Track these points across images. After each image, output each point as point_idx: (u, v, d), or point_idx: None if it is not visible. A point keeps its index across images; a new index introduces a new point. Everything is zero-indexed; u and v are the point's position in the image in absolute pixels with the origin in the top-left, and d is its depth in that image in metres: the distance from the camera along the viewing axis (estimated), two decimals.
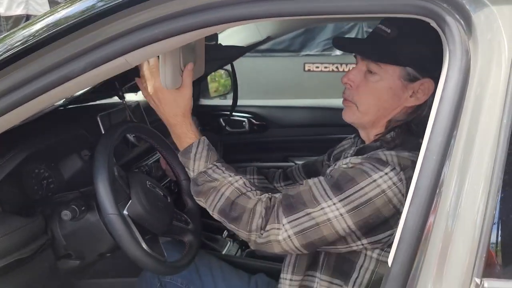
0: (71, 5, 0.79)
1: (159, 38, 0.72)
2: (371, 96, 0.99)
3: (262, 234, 0.92)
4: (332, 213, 0.88)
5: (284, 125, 2.36)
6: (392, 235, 0.89)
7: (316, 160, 1.36)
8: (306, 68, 4.45)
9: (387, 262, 0.89)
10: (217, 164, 1.00)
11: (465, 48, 0.62)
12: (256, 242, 0.94)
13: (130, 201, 1.04)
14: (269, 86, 4.35)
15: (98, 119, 1.38)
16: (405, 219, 0.65)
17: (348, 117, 1.04)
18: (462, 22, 0.63)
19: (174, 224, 1.19)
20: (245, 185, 0.98)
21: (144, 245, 0.99)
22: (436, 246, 0.63)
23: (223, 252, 1.69)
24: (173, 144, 1.11)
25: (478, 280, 0.60)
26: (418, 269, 0.63)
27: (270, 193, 0.97)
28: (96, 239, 1.08)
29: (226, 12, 0.70)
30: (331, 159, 1.24)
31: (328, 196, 0.89)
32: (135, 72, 0.99)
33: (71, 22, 0.72)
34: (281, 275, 1.05)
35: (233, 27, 1.68)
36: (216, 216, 0.98)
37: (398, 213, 0.86)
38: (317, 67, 4.39)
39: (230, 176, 0.99)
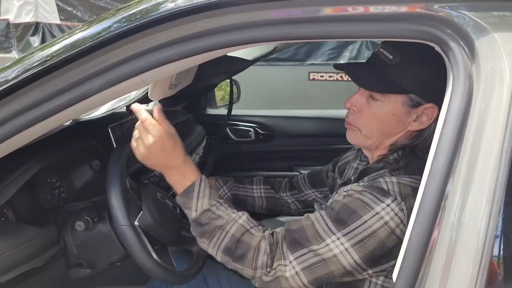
0: (88, 27, 0.82)
1: (173, 59, 0.75)
2: (374, 121, 0.99)
3: (268, 272, 0.91)
4: (337, 248, 0.88)
5: (289, 135, 2.39)
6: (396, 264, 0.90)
7: (321, 170, 1.38)
8: (311, 77, 4.48)
9: None
10: (220, 200, 0.99)
11: (468, 73, 0.65)
12: (263, 280, 0.93)
13: (141, 212, 1.06)
14: (274, 95, 4.38)
15: (109, 130, 1.41)
16: (409, 236, 0.67)
17: (352, 139, 1.05)
18: (466, 48, 0.65)
19: (183, 234, 1.22)
20: (249, 220, 0.97)
21: (154, 256, 1.02)
22: (440, 260, 0.65)
23: None
24: None
25: None
26: (422, 283, 0.65)
27: (270, 229, 0.97)
28: (107, 249, 1.11)
29: (238, 35, 0.73)
30: (336, 170, 1.26)
31: (332, 232, 0.89)
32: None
33: (89, 44, 0.76)
34: None
35: None
36: (219, 256, 0.96)
37: (400, 242, 0.84)
38: (322, 76, 4.42)
39: (233, 212, 0.97)
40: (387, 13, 0.69)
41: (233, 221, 0.95)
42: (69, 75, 0.77)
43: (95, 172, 1.32)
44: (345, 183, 1.05)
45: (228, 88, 2.59)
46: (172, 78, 0.99)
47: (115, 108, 1.60)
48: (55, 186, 1.26)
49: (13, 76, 0.80)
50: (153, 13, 0.75)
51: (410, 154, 0.97)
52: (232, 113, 2.28)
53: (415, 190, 0.87)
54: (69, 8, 5.00)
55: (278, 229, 0.96)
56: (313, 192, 1.36)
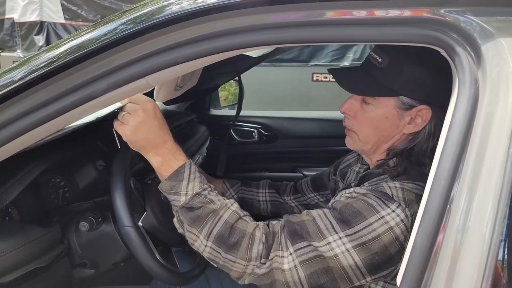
0: (94, 29, 0.82)
1: (178, 61, 0.76)
2: (369, 125, 0.99)
3: (263, 263, 0.87)
4: (338, 248, 0.85)
5: (293, 136, 2.39)
6: (395, 269, 0.88)
7: (323, 173, 1.39)
8: (314, 78, 4.49)
9: None
10: (211, 185, 0.95)
11: (474, 78, 0.64)
12: (255, 274, 0.89)
13: (145, 213, 1.07)
14: (277, 95, 4.39)
15: (114, 130, 1.42)
16: (414, 240, 0.67)
17: (350, 145, 1.06)
18: (472, 53, 0.65)
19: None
20: (240, 208, 0.94)
21: (158, 256, 1.02)
22: (444, 264, 0.64)
23: None
24: None
25: None
26: (427, 287, 0.65)
27: (263, 221, 0.94)
28: (111, 249, 1.11)
29: (243, 38, 0.73)
30: (338, 174, 1.27)
31: (335, 230, 0.87)
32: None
33: (95, 45, 0.76)
34: None
35: None
36: (209, 247, 0.90)
37: (402, 249, 0.86)
38: (325, 77, 4.42)
39: (224, 199, 0.94)
40: (393, 17, 0.69)
41: (225, 207, 0.92)
42: (76, 76, 0.77)
43: (99, 172, 1.32)
44: (345, 189, 1.04)
45: (232, 89, 2.60)
46: (178, 80, 0.99)
47: None
48: (59, 186, 1.27)
49: (19, 77, 0.80)
50: (159, 16, 0.75)
51: (408, 159, 0.97)
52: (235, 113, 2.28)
53: (418, 197, 0.88)
54: (73, 8, 5.01)
55: (273, 221, 0.94)
56: (315, 196, 1.37)
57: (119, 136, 1.43)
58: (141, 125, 0.92)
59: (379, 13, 0.69)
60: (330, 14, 0.71)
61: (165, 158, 0.94)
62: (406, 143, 0.99)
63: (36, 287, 1.08)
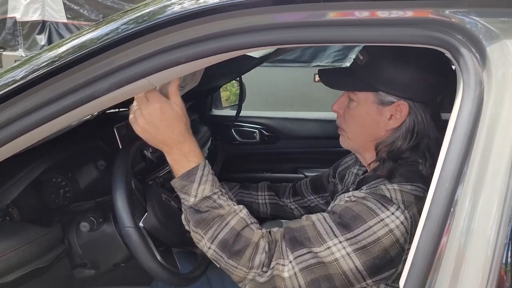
0: (96, 29, 0.82)
1: (181, 61, 0.75)
2: (354, 122, 1.02)
3: (265, 271, 0.87)
4: (338, 252, 0.85)
5: (294, 137, 2.39)
6: (396, 272, 0.88)
7: (322, 175, 1.38)
8: (316, 79, 4.47)
9: None
10: (222, 189, 0.93)
11: (479, 79, 0.64)
12: (256, 281, 0.88)
13: (146, 213, 1.07)
14: (279, 96, 4.38)
15: (115, 130, 1.42)
16: (418, 243, 0.66)
17: (342, 143, 1.08)
18: (477, 54, 0.65)
19: (187, 236, 1.21)
20: (249, 215, 0.93)
21: (159, 257, 1.02)
22: (448, 268, 0.64)
23: None
24: None
25: None
26: None
27: (265, 228, 0.94)
28: (111, 250, 1.11)
29: (246, 39, 0.73)
30: (336, 176, 1.27)
31: (334, 234, 0.86)
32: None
33: (97, 45, 0.75)
34: None
35: None
36: (212, 250, 0.89)
37: (403, 251, 0.86)
38: None
39: (234, 204, 0.93)
40: (397, 18, 0.68)
41: (233, 213, 0.91)
42: (77, 76, 0.77)
43: (100, 172, 1.32)
44: (344, 192, 1.04)
45: (234, 89, 2.60)
46: (179, 80, 0.99)
47: None
48: (60, 186, 1.26)
49: (21, 76, 0.80)
50: (161, 16, 0.75)
51: (390, 157, 0.97)
52: None
53: (417, 198, 0.89)
54: (75, 7, 5.01)
55: (274, 229, 0.93)
56: (315, 198, 1.36)
57: (120, 136, 1.43)
58: (148, 126, 0.90)
59: (382, 14, 0.68)
60: (333, 15, 0.70)
61: (180, 156, 0.92)
62: (393, 139, 0.99)
63: (36, 287, 1.08)
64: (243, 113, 2.31)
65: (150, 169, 1.53)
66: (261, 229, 0.92)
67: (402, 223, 0.85)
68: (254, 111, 2.55)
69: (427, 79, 0.94)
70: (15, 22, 5.10)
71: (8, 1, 5.13)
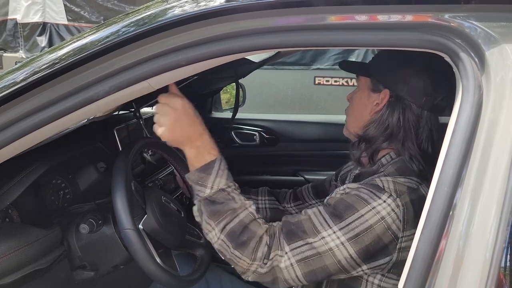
0: (97, 31, 0.82)
1: (181, 64, 0.75)
2: (351, 105, 1.13)
3: (265, 263, 0.91)
4: (333, 242, 0.88)
5: (294, 140, 2.39)
6: (391, 261, 0.91)
7: (325, 180, 1.40)
8: (316, 82, 4.48)
9: None
10: (235, 184, 0.98)
11: (478, 84, 0.64)
12: (258, 272, 0.92)
13: (146, 216, 1.06)
14: (279, 99, 4.38)
15: (115, 132, 1.42)
16: (416, 247, 0.66)
17: (344, 131, 1.16)
18: (476, 59, 0.65)
19: (187, 238, 1.22)
20: (256, 210, 0.97)
21: (158, 260, 1.02)
22: (447, 271, 0.64)
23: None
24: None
25: None
26: None
27: (268, 223, 0.98)
28: (111, 252, 1.11)
29: (245, 42, 0.73)
30: (338, 179, 1.28)
31: (328, 225, 0.90)
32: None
33: (97, 48, 0.76)
34: None
35: None
36: (220, 241, 0.93)
37: (396, 238, 0.89)
38: (327, 81, 4.41)
39: (245, 198, 0.97)
40: (396, 22, 0.68)
41: (243, 206, 0.94)
42: (78, 78, 0.77)
43: (100, 174, 1.32)
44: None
45: (234, 91, 2.60)
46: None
47: None
48: (60, 187, 1.27)
49: (21, 78, 0.80)
50: (161, 18, 0.75)
51: (373, 145, 1.05)
52: (237, 116, 2.28)
53: (409, 189, 0.93)
54: (76, 9, 5.02)
55: (274, 223, 0.97)
56: (317, 202, 1.37)
57: (120, 137, 1.44)
58: (174, 124, 0.94)
59: (382, 18, 0.69)
60: (333, 19, 0.71)
61: (199, 150, 0.96)
62: (374, 127, 1.05)
63: None
64: (243, 115, 2.32)
65: (149, 171, 1.53)
66: (266, 224, 0.96)
67: (393, 210, 0.88)
68: (254, 113, 2.55)
69: (422, 81, 0.99)
70: (16, 24, 5.10)
71: (9, 2, 5.14)
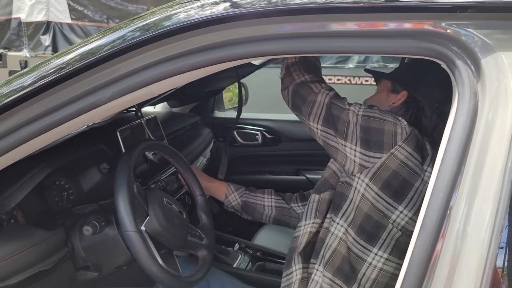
0: (102, 37, 0.83)
1: (182, 70, 0.77)
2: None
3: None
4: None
5: (296, 139, 2.40)
6: (414, 196, 1.03)
7: None
8: None
9: (390, 272, 1.00)
10: None
11: (474, 91, 0.65)
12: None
13: (148, 217, 1.08)
14: (281, 98, 4.37)
15: (118, 133, 1.43)
16: (412, 250, 0.67)
17: None
18: (472, 67, 0.66)
19: (189, 240, 1.23)
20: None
21: (160, 261, 1.03)
22: (443, 273, 0.65)
23: (234, 265, 1.72)
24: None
25: None
26: None
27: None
28: (114, 253, 1.12)
29: (247, 49, 0.74)
30: None
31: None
32: None
33: (100, 54, 0.77)
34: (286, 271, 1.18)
35: None
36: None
37: (413, 172, 1.03)
38: (330, 79, 4.41)
39: None
40: (394, 30, 0.69)
41: None
42: (82, 84, 0.79)
43: (103, 175, 1.34)
44: None
45: (236, 90, 2.61)
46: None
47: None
48: (64, 189, 1.28)
49: (29, 82, 0.82)
50: (164, 25, 0.77)
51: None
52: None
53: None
54: (80, 8, 5.03)
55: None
56: None
57: (123, 139, 1.45)
58: None
59: (380, 25, 0.70)
60: (333, 26, 0.72)
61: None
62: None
63: None
64: (245, 115, 2.32)
65: (152, 172, 1.54)
66: None
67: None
68: (256, 113, 2.56)
69: (437, 89, 1.10)
70: (19, 23, 5.11)
71: (13, 2, 5.15)
